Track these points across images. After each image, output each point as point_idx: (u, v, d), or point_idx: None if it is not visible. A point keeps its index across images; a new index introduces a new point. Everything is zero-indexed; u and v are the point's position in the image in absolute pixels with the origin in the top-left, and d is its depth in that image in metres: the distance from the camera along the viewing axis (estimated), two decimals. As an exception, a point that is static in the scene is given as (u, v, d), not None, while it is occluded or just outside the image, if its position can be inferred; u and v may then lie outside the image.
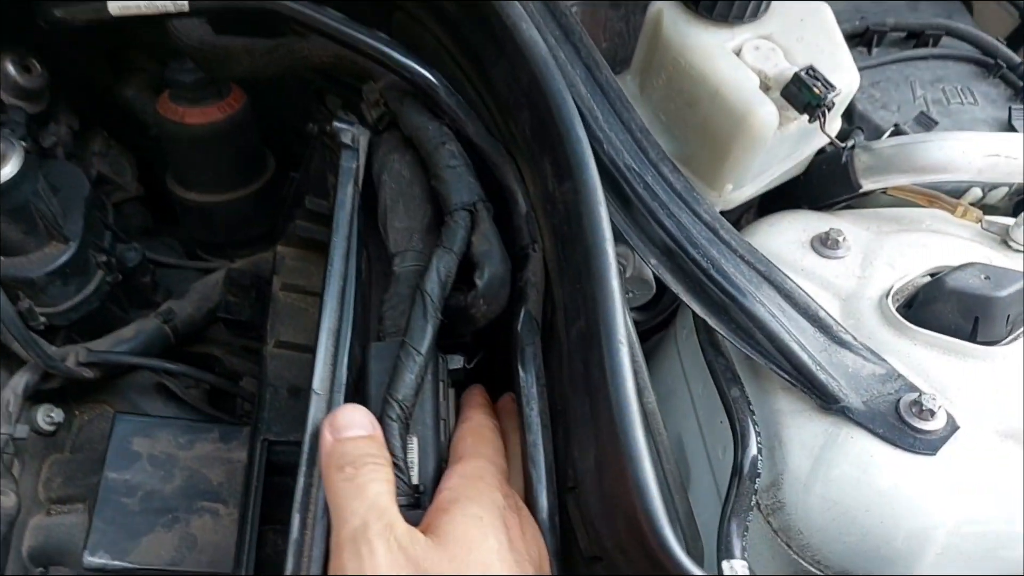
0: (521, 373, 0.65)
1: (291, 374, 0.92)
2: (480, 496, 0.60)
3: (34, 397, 0.91)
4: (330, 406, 0.63)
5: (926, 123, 0.91)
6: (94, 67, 1.11)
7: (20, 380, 0.86)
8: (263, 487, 0.82)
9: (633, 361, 0.82)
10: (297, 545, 0.58)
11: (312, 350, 0.63)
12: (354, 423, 0.60)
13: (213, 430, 0.89)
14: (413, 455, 0.63)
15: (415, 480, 0.62)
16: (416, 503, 0.61)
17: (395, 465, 0.60)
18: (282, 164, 1.14)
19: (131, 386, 0.96)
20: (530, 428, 0.63)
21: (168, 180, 1.08)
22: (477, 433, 0.68)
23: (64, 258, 0.85)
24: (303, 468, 0.61)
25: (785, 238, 0.82)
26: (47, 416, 0.90)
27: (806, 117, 0.76)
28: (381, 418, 0.61)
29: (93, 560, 0.78)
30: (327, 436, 0.60)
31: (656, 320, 1.10)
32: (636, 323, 1.11)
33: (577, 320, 0.60)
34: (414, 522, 0.58)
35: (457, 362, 0.72)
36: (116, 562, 0.78)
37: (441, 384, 0.67)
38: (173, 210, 1.14)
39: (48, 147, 1.04)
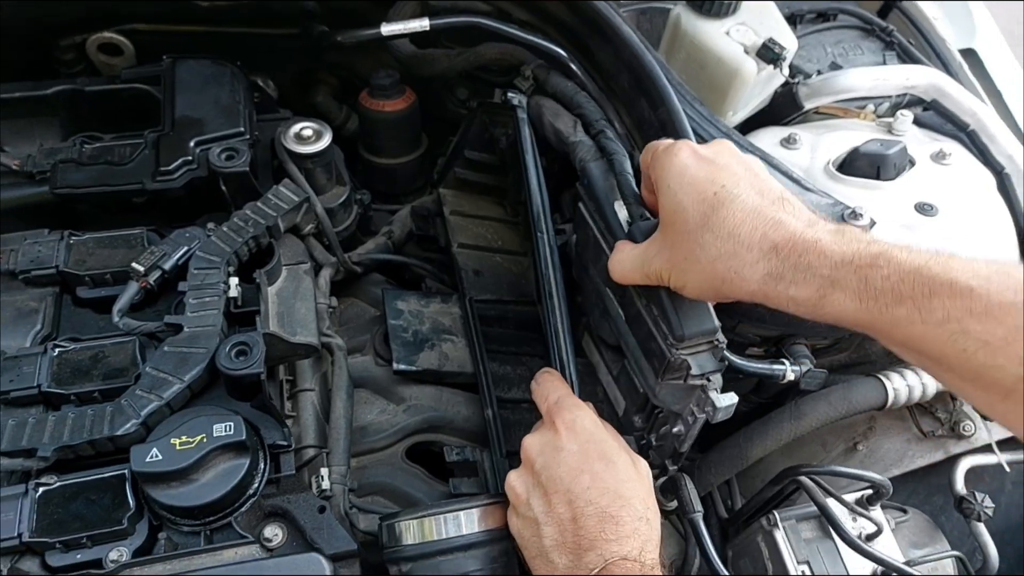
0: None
1: (472, 263, 1.46)
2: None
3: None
4: None
5: (835, 68, 1.47)
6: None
7: (325, 274, 1.34)
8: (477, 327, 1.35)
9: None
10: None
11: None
12: None
13: (437, 297, 1.42)
14: None
15: None
16: None
17: None
18: (430, 139, 1.65)
19: (369, 282, 1.47)
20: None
21: (360, 151, 1.58)
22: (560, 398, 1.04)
23: (343, 197, 1.37)
24: None
25: (764, 143, 1.36)
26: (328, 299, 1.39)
27: (771, 66, 1.31)
28: None
29: (399, 366, 1.30)
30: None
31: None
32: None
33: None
34: None
35: None
36: (412, 367, 1.30)
37: None
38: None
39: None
